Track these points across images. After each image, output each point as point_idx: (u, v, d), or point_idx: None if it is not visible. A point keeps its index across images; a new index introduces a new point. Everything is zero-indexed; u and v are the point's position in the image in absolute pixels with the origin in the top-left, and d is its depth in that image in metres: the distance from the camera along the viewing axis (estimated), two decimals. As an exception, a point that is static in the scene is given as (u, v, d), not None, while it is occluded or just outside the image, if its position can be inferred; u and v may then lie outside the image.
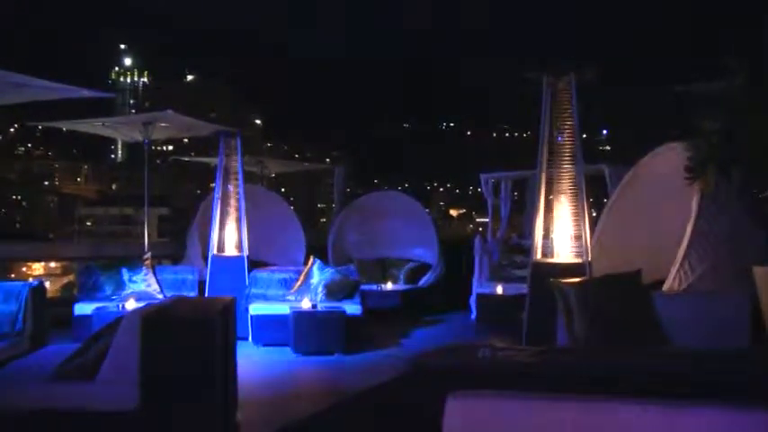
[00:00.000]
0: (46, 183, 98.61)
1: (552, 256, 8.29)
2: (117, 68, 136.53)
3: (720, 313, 6.63)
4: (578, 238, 8.20)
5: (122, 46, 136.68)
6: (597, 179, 12.37)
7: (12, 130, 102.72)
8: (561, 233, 8.29)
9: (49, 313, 7.88)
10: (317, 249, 12.67)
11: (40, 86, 10.17)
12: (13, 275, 19.49)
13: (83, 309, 9.60)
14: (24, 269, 27.00)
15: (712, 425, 2.52)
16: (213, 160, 14.21)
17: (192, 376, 5.05)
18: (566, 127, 8.29)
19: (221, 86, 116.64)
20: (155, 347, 4.97)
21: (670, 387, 3.56)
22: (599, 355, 4.63)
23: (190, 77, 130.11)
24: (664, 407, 2.60)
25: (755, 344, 6.44)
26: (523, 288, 9.01)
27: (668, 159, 8.55)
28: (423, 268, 13.68)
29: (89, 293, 10.15)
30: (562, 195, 8.29)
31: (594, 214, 10.46)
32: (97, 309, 9.26)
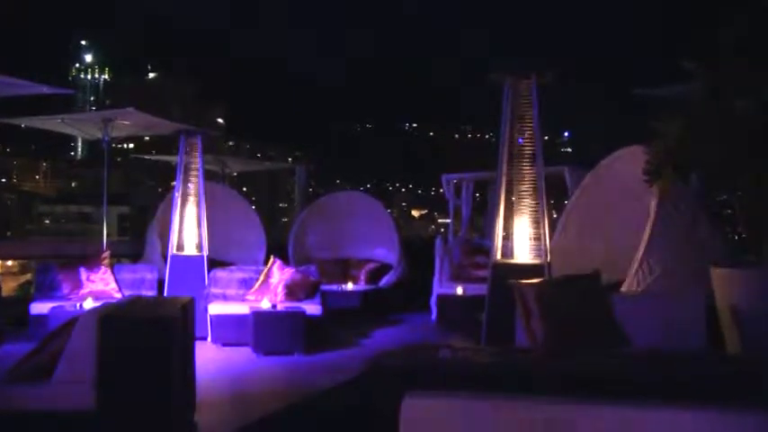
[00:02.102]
0: (3, 180, 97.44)
1: (512, 257, 8.32)
2: (77, 65, 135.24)
3: (678, 314, 6.68)
4: (538, 239, 8.24)
5: (83, 42, 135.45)
6: (557, 181, 12.45)
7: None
8: (521, 234, 8.32)
9: (4, 312, 7.81)
10: (278, 249, 12.63)
11: (-1, 83, 10.08)
12: (-32, 274, 19.22)
13: (39, 308, 9.48)
14: (-20, 267, 26.61)
15: (670, 424, 2.55)
16: (174, 158, 14.12)
17: (150, 376, 5.02)
18: (526, 128, 8.33)
19: (183, 85, 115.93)
20: (111, 347, 4.93)
21: (628, 388, 3.59)
22: (557, 357, 4.66)
23: (151, 75, 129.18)
24: (620, 407, 2.62)
25: (712, 345, 6.51)
26: (484, 289, 9.04)
27: (628, 162, 8.63)
28: (384, 269, 13.68)
29: (46, 292, 10.04)
30: (522, 197, 8.32)
31: (555, 216, 10.55)
32: (54, 308, 9.15)
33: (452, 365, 3.19)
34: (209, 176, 11.81)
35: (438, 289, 12.33)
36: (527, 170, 8.32)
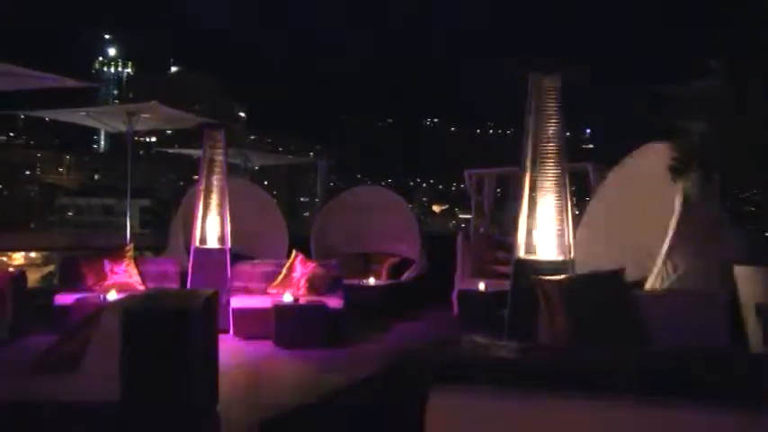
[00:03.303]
0: (27, 172, 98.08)
1: (535, 254, 8.30)
2: (101, 59, 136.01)
3: (701, 312, 6.66)
4: (561, 235, 8.20)
5: (107, 36, 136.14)
6: (580, 177, 12.41)
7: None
8: (544, 231, 8.29)
9: (29, 303, 7.86)
10: (300, 243, 12.64)
11: (23, 75, 10.15)
12: (-7, 265, 19.37)
13: (63, 299, 9.55)
14: (4, 259, 26.82)
15: (686, 423, 2.54)
16: (196, 152, 14.17)
17: (173, 368, 5.05)
18: (550, 125, 8.29)
19: (205, 79, 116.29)
20: (136, 339, 4.97)
21: (649, 386, 3.57)
22: (580, 353, 4.65)
23: (174, 69, 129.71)
24: (642, 405, 2.61)
25: (735, 343, 6.48)
26: (505, 285, 9.01)
27: (651, 159, 8.58)
28: (405, 264, 13.67)
29: (70, 284, 10.10)
30: (545, 193, 8.28)
31: (577, 212, 10.50)
32: (78, 299, 9.22)
33: (477, 360, 3.18)
34: (230, 170, 11.83)
35: (459, 284, 12.31)
36: (550, 166, 8.29)
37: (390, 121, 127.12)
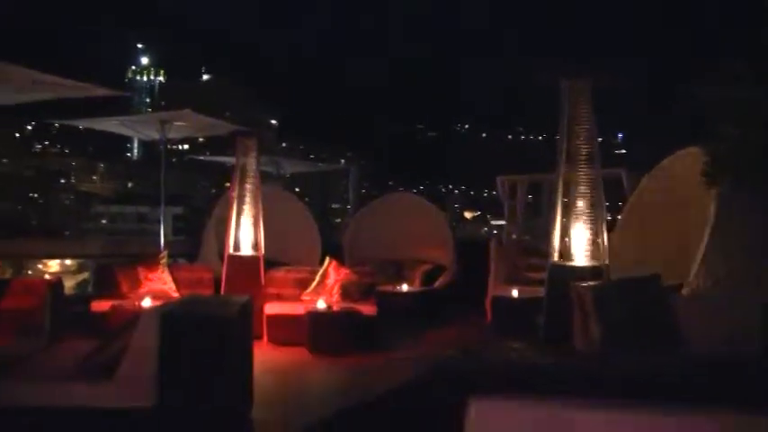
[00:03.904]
0: (62, 180, 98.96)
1: (569, 260, 8.26)
2: (133, 67, 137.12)
3: (739, 318, 6.60)
4: (596, 241, 8.18)
5: (139, 45, 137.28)
6: (613, 182, 12.33)
7: (29, 127, 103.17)
8: (578, 236, 8.26)
9: (66, 310, 7.93)
10: (332, 249, 12.65)
11: (57, 84, 10.25)
12: (30, 272, 19.56)
13: (100, 306, 9.62)
14: (40, 266, 27.07)
15: (726, 430, 2.52)
16: (229, 159, 14.23)
17: (209, 374, 5.07)
18: (583, 130, 8.27)
19: (236, 86, 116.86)
20: (172, 346, 4.99)
21: (688, 393, 3.54)
22: (617, 360, 4.62)
23: (206, 77, 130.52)
24: (681, 412, 2.59)
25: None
26: (539, 291, 8.98)
27: (687, 163, 8.52)
28: (438, 270, 13.63)
29: (105, 291, 10.17)
30: (579, 198, 8.26)
31: (609, 217, 10.44)
32: (114, 306, 9.29)
33: (515, 367, 3.18)
34: (263, 177, 11.87)
35: (493, 291, 12.26)
36: (584, 172, 8.26)
37: (421, 126, 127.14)
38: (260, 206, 10.90)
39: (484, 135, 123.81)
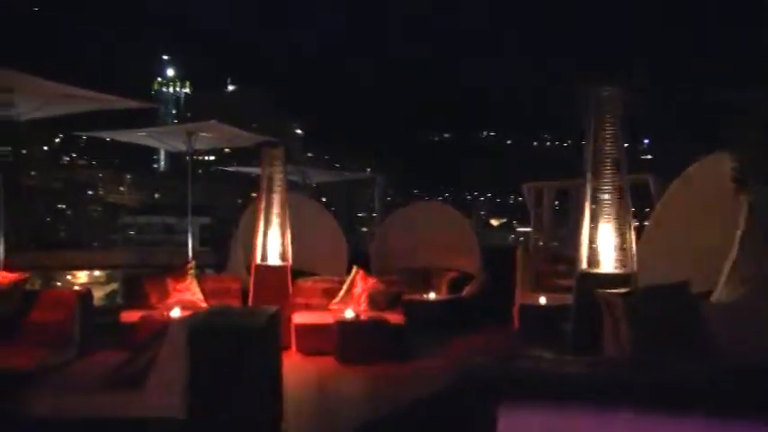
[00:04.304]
0: (90, 192, 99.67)
1: (597, 267, 8.22)
2: (159, 79, 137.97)
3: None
4: (623, 248, 8.13)
5: (165, 57, 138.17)
6: (640, 188, 12.27)
7: (57, 140, 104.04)
8: (606, 243, 8.21)
9: (95, 321, 7.97)
10: (359, 258, 12.66)
11: (85, 97, 10.36)
12: (59, 283, 19.70)
13: (129, 317, 9.68)
14: (69, 277, 27.24)
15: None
16: (255, 170, 14.27)
17: (238, 385, 5.07)
18: (609, 136, 8.23)
19: (262, 96, 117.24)
20: (200, 356, 5.00)
21: (719, 402, 3.51)
22: (647, 368, 4.59)
23: (231, 88, 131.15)
24: (713, 421, 2.57)
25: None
26: (567, 298, 8.95)
27: (715, 169, 8.46)
28: (465, 278, 13.62)
29: (134, 301, 10.23)
30: (606, 205, 8.21)
31: (636, 224, 10.39)
32: (143, 317, 9.34)
33: (545, 376, 3.16)
34: (289, 187, 11.91)
35: (520, 298, 12.23)
36: (611, 178, 8.22)
37: (447, 135, 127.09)
38: (287, 216, 10.93)
39: (509, 142, 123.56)
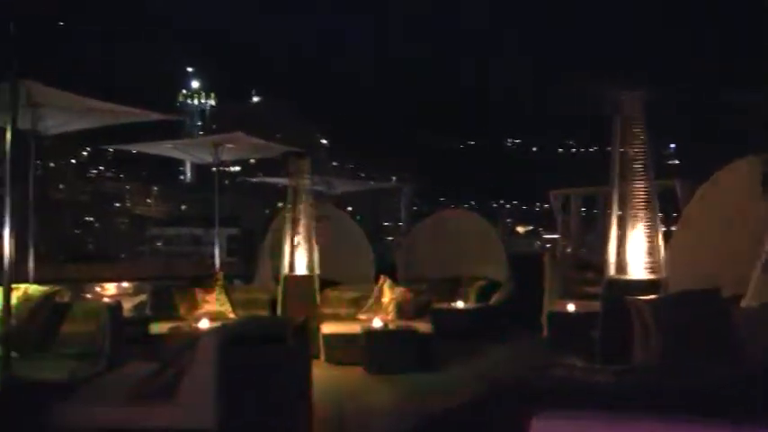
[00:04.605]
0: (117, 204, 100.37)
1: (626, 273, 8.17)
2: (184, 91, 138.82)
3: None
4: (652, 253, 8.08)
5: (189, 69, 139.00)
6: (667, 194, 12.20)
7: (84, 153, 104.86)
8: (634, 249, 8.17)
9: (125, 333, 8.01)
10: (385, 268, 12.67)
11: (111, 111, 10.45)
12: (88, 295, 19.83)
13: (157, 328, 9.72)
14: (98, 289, 27.44)
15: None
16: (281, 180, 14.32)
17: (268, 396, 5.09)
18: (636, 142, 8.20)
19: (286, 107, 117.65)
20: (231, 367, 5.02)
21: (748, 406, 3.49)
22: (679, 375, 4.56)
23: (255, 99, 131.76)
24: (745, 427, 2.55)
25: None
26: (595, 305, 8.90)
27: (742, 173, 8.42)
28: (493, 286, 13.58)
29: (162, 313, 10.27)
30: (634, 211, 8.18)
31: (663, 229, 10.33)
32: (172, 328, 9.39)
33: (576, 384, 3.15)
34: (315, 197, 11.93)
35: (548, 306, 12.18)
36: (638, 184, 8.19)
37: (473, 142, 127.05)
38: (314, 226, 10.95)
39: (535, 149, 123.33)
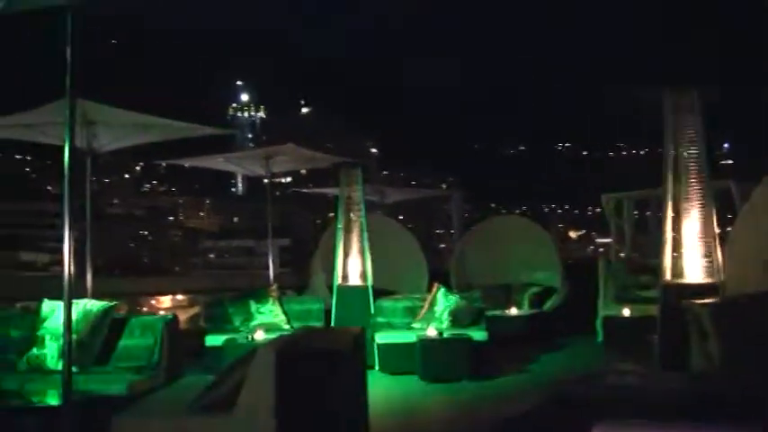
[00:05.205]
0: (170, 217, 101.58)
1: (682, 277, 8.07)
2: (234, 104, 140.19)
3: None
4: (708, 256, 7.97)
5: (239, 82, 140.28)
6: (722, 194, 12.03)
7: (138, 168, 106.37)
8: (690, 252, 8.07)
9: (182, 346, 8.09)
10: (438, 275, 12.64)
11: (165, 126, 10.60)
12: (145, 309, 20.08)
13: (213, 340, 9.80)
14: (153, 301, 27.78)
15: None
16: (331, 191, 14.37)
17: (326, 406, 5.10)
18: (690, 144, 8.10)
19: (336, 117, 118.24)
20: (289, 379, 5.03)
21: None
22: (741, 382, 4.49)
23: (305, 110, 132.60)
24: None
25: None
26: (651, 309, 8.80)
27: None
28: (547, 292, 13.49)
29: (218, 325, 10.35)
30: (690, 213, 8.07)
31: (719, 230, 10.19)
32: (228, 340, 9.45)
33: (636, 392, 3.11)
34: (367, 206, 11.95)
35: (603, 311, 12.08)
36: (693, 185, 8.09)
37: (522, 148, 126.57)
38: (366, 236, 10.98)
39: (585, 153, 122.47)
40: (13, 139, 11.51)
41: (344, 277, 10.89)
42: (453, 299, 10.41)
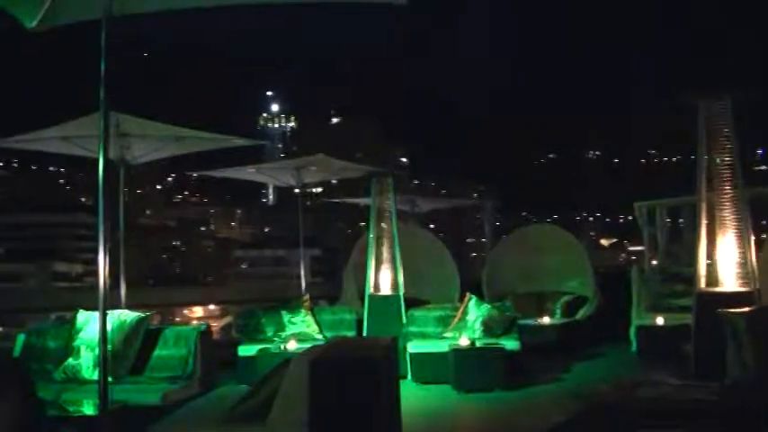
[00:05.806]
0: (202, 228, 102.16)
1: (717, 285, 8.00)
2: (264, 114, 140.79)
3: None
4: (743, 264, 7.89)
5: (269, 93, 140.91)
6: (755, 201, 11.90)
7: (169, 179, 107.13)
8: (725, 260, 8.00)
9: (215, 356, 8.13)
10: (469, 284, 12.60)
11: (196, 138, 10.69)
12: (178, 319, 20.18)
13: (246, 350, 9.83)
14: (186, 312, 27.91)
15: None
16: (362, 200, 14.39)
17: (359, 417, 5.09)
18: (724, 150, 8.04)
19: (366, 126, 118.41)
20: (322, 389, 5.04)
21: None
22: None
23: (335, 120, 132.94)
24: None
25: None
26: (685, 318, 8.73)
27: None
28: (579, 301, 13.41)
29: (250, 335, 10.38)
30: (724, 220, 8.00)
31: (753, 238, 10.10)
32: (261, 350, 9.48)
33: (675, 403, 3.09)
34: (399, 216, 11.93)
35: (637, 320, 11.99)
36: (727, 192, 8.02)
37: (552, 156, 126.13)
38: (398, 245, 10.98)
39: (616, 160, 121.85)
40: (49, 152, 11.64)
41: (376, 287, 10.88)
42: (485, 308, 10.38)
